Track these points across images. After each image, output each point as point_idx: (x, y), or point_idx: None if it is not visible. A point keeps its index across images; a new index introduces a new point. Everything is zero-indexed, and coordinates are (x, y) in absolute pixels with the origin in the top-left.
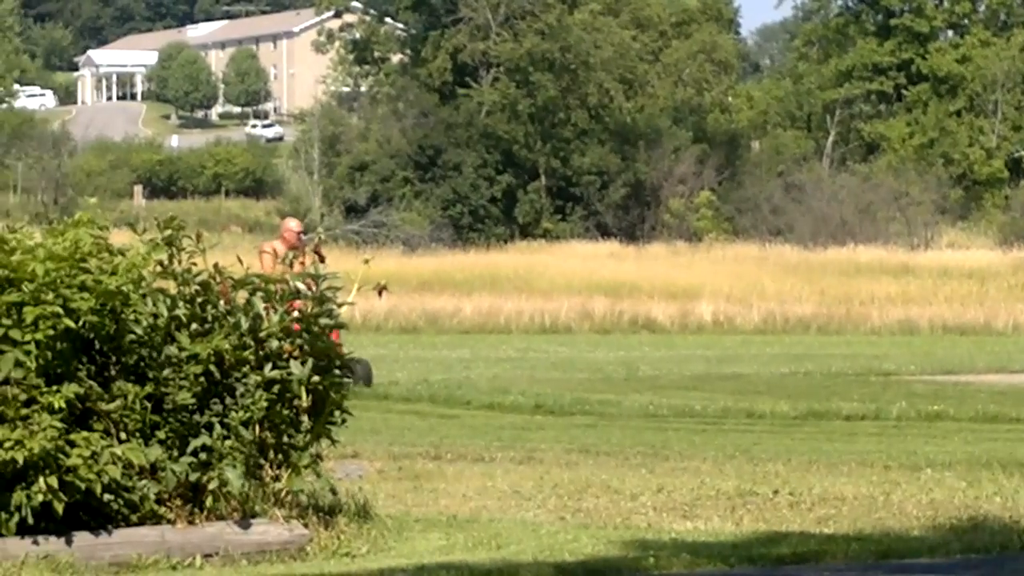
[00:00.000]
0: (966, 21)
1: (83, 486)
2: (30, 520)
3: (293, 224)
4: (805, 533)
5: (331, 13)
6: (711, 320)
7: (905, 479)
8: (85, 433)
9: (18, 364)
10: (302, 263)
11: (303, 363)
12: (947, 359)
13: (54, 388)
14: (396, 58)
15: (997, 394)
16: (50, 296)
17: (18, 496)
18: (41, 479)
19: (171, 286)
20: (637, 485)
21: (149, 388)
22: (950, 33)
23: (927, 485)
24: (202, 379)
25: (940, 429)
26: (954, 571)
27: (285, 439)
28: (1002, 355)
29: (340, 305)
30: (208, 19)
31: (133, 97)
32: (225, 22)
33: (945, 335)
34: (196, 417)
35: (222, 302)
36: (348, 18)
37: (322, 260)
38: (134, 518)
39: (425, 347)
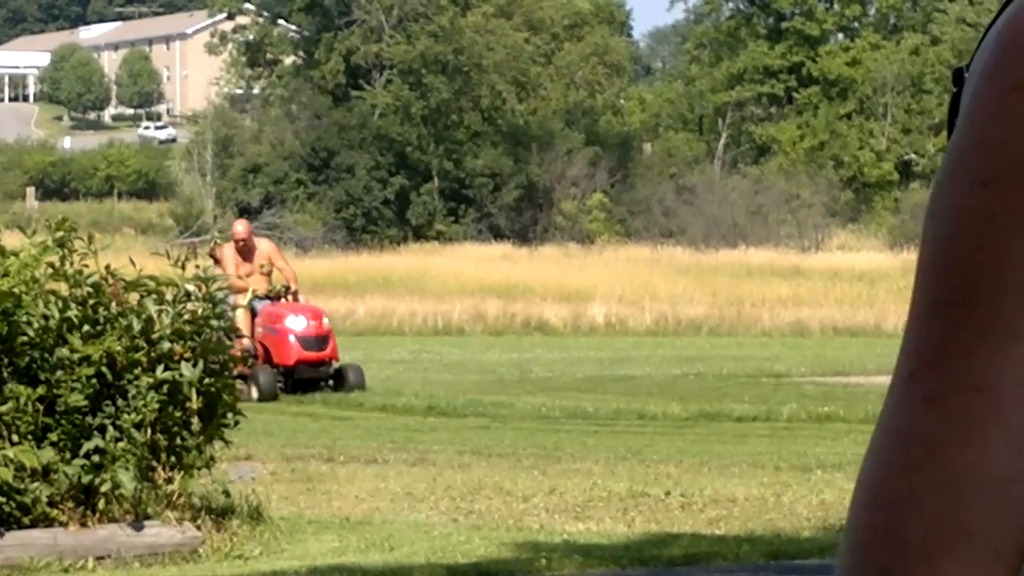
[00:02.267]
0: (856, 24)
1: None
2: None
3: (240, 227)
4: (696, 534)
5: (224, 15)
6: (603, 322)
7: (796, 480)
8: None
9: None
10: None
11: (194, 365)
12: (837, 361)
13: None
14: (289, 60)
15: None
16: None
17: None
18: None
19: (63, 288)
20: (529, 487)
21: (41, 390)
22: (840, 36)
23: (818, 486)
24: (94, 381)
25: (830, 430)
26: None
27: (178, 441)
28: (892, 357)
29: (234, 308)
30: (101, 20)
31: (25, 99)
32: (118, 24)
33: (835, 337)
34: (88, 419)
35: (114, 304)
36: (241, 20)
37: (217, 263)
38: (26, 520)
39: None
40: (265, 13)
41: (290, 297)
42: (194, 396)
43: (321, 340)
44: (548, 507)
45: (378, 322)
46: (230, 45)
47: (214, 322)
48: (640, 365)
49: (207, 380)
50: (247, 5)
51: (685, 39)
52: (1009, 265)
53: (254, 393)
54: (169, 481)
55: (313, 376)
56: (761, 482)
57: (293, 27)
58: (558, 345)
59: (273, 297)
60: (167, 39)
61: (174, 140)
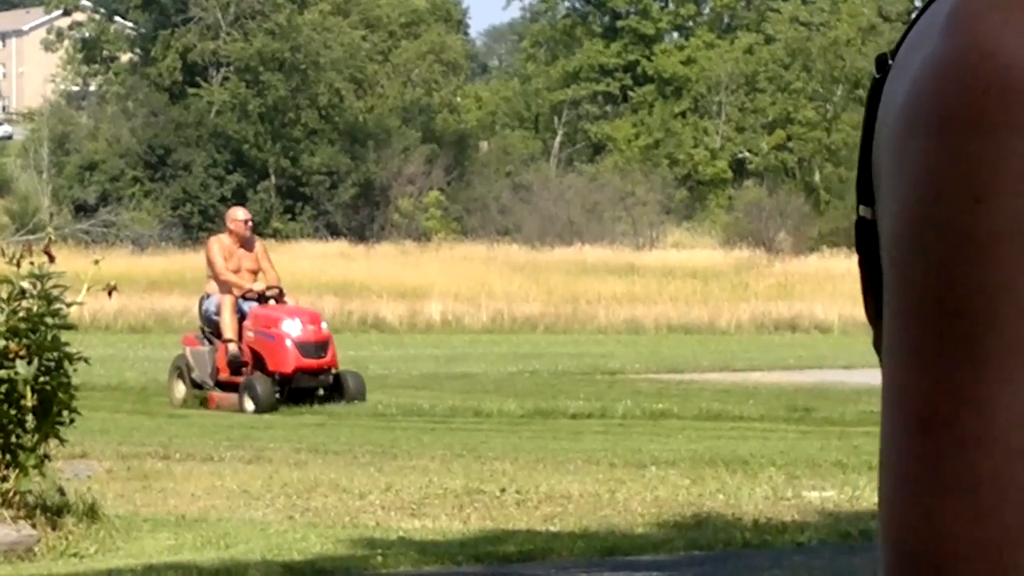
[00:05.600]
0: (691, 23)
1: None
2: None
3: (240, 214)
4: (532, 531)
5: (60, 12)
6: (440, 319)
7: (630, 477)
8: None
9: None
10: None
11: (29, 363)
12: (672, 358)
13: None
14: (126, 57)
15: (720, 392)
16: None
17: None
18: None
19: None
20: (365, 484)
21: None
22: (675, 35)
23: (652, 483)
24: None
25: (664, 427)
26: (678, 568)
27: (12, 439)
28: (725, 354)
29: (69, 305)
30: None
31: None
32: None
33: (670, 334)
34: None
35: None
36: (77, 16)
37: (51, 260)
38: None
39: (155, 347)
40: (102, 10)
41: (274, 299)
42: (29, 394)
43: (321, 346)
44: (384, 504)
45: None
46: (67, 42)
47: (49, 319)
48: (476, 362)
49: (42, 378)
50: (84, 2)
51: (521, 37)
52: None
53: (248, 404)
54: (3, 479)
55: (312, 385)
56: (596, 479)
57: (130, 24)
58: (394, 343)
59: (261, 298)
60: (2, 36)
61: (10, 137)
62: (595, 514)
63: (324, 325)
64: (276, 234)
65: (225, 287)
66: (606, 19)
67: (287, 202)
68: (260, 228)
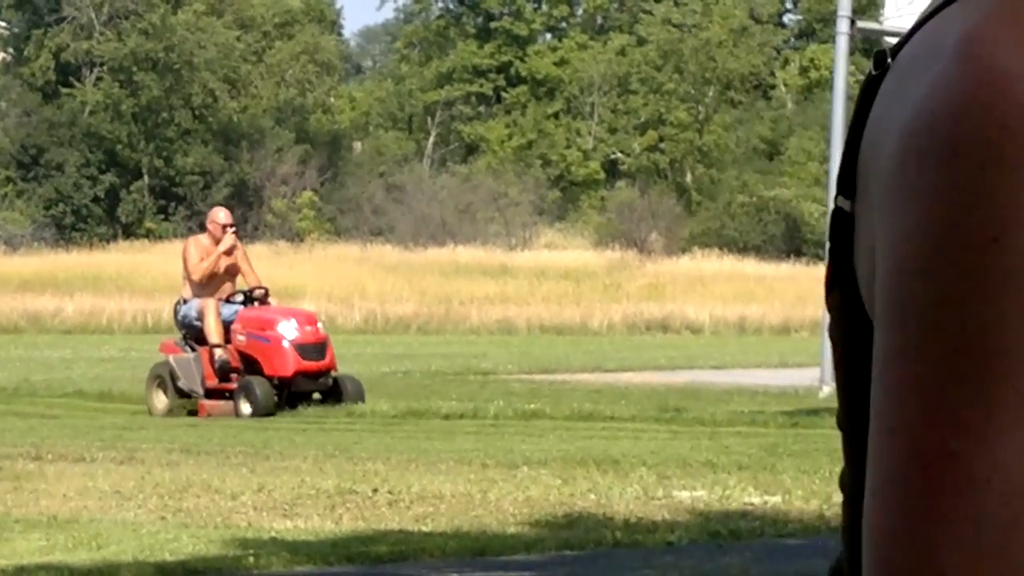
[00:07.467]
0: (564, 25)
1: None
2: None
3: (221, 216)
4: (404, 531)
5: None
6: None
7: (502, 477)
8: None
9: None
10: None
11: None
12: (544, 358)
13: None
14: None
15: (592, 392)
16: None
17: None
18: None
19: None
20: (238, 484)
21: None
22: (548, 36)
23: (523, 483)
24: None
25: (536, 427)
26: (549, 567)
27: None
28: (597, 354)
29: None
30: None
31: None
32: None
33: (542, 334)
34: None
35: None
36: None
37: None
38: None
39: (27, 347)
40: None
41: (257, 302)
42: None
43: (319, 348)
44: (256, 505)
45: (87, 320)
46: None
47: None
48: (349, 363)
49: None
50: None
51: (395, 38)
52: None
53: (245, 408)
54: None
55: (311, 388)
56: (468, 479)
57: (3, 23)
58: None
59: (247, 300)
60: None
61: None
62: (467, 514)
63: (320, 326)
64: (149, 234)
65: (204, 290)
66: (479, 20)
67: (160, 202)
68: (133, 228)
